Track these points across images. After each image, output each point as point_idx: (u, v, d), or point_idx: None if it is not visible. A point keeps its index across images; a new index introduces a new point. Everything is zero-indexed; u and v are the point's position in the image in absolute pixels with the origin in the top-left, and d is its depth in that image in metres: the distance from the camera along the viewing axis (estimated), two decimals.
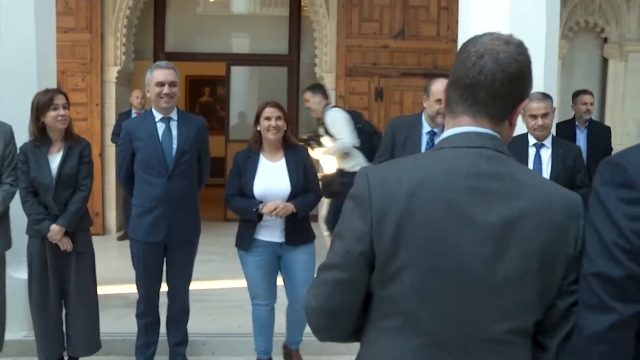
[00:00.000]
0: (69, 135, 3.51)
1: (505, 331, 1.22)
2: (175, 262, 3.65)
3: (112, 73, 7.42)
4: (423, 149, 3.56)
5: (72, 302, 3.53)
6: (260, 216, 3.41)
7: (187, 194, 3.62)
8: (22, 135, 3.60)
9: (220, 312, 4.61)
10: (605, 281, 1.20)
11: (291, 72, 8.49)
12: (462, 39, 4.66)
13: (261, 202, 3.42)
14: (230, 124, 8.90)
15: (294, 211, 3.41)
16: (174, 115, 3.58)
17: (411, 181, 1.22)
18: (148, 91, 3.53)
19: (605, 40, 7.98)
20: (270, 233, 3.49)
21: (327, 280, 1.29)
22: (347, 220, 1.27)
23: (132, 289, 3.88)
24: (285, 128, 3.49)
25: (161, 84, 3.47)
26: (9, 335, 3.77)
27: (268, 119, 3.44)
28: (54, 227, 3.41)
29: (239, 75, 9.07)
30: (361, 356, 1.33)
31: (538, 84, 4.25)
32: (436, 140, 3.52)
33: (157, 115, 3.55)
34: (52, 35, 4.46)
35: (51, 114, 3.40)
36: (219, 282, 5.43)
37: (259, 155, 3.53)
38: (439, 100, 3.46)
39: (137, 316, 3.68)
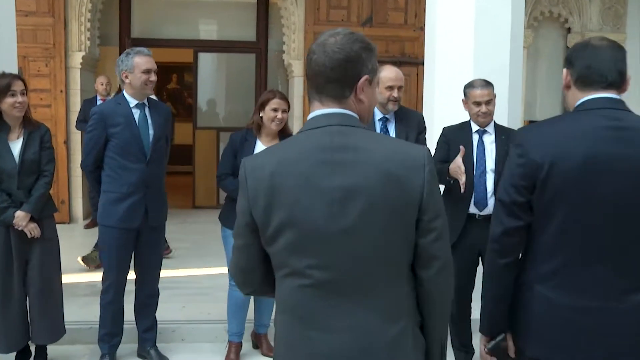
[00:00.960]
0: (27, 121, 3.44)
1: (367, 272, 1.51)
2: (146, 249, 3.63)
3: (76, 59, 7.27)
4: None
5: (36, 289, 3.47)
6: None
7: (161, 179, 3.68)
8: None
9: (189, 300, 4.60)
10: (502, 204, 1.91)
11: (259, 59, 8.45)
12: (429, 27, 4.72)
13: None
14: (198, 111, 8.82)
15: None
16: (145, 101, 3.58)
17: (272, 163, 1.54)
18: (126, 77, 3.48)
19: (569, 30, 8.14)
20: None
21: (235, 245, 1.66)
22: (238, 199, 1.61)
23: (97, 277, 3.85)
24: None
25: (148, 71, 3.49)
26: None
27: (275, 110, 3.53)
28: (20, 214, 3.36)
29: (207, 62, 8.99)
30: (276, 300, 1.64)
31: (503, 73, 4.34)
32: (389, 126, 3.60)
33: (132, 101, 3.53)
34: (11, 17, 4.32)
35: (8, 100, 3.33)
36: (187, 270, 5.41)
37: (255, 139, 3.61)
38: (390, 87, 3.50)
39: (103, 305, 3.63)
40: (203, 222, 7.55)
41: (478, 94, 3.48)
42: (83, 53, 7.31)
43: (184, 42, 8.56)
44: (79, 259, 5.27)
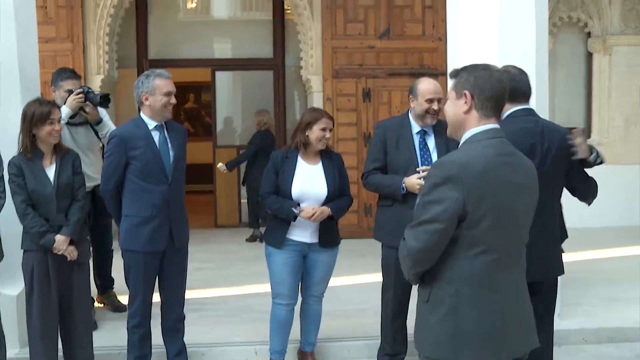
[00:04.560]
0: (58, 146, 3.49)
1: (523, 247, 2.15)
2: (171, 271, 3.58)
3: (96, 82, 7.30)
4: (418, 149, 3.51)
5: (74, 313, 3.48)
6: (295, 217, 3.49)
7: (182, 199, 3.64)
8: (5, 147, 3.53)
9: (217, 322, 4.52)
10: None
11: (277, 75, 8.44)
12: (451, 38, 4.65)
13: (298, 203, 3.52)
14: (217, 129, 8.81)
15: (331, 214, 3.51)
16: (163, 123, 3.55)
17: (480, 163, 2.01)
18: (146, 99, 3.45)
19: (589, 34, 8.03)
20: (302, 233, 3.57)
21: (429, 230, 2.01)
22: (442, 192, 1.99)
23: (124, 300, 3.80)
24: None
25: (169, 94, 3.47)
26: None
27: (324, 129, 3.54)
28: (60, 238, 3.38)
29: (224, 81, 9.00)
30: (446, 276, 2.05)
31: (530, 79, 4.25)
32: (427, 139, 3.53)
33: (151, 123, 3.50)
34: (34, 44, 4.35)
35: (46, 128, 3.37)
36: (213, 290, 5.35)
37: (297, 157, 3.60)
38: (430, 100, 3.44)
39: (130, 329, 3.58)
40: (226, 242, 7.52)
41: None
42: (102, 76, 7.36)
43: (201, 62, 8.59)
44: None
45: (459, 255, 2.02)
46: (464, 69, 2.13)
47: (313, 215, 3.46)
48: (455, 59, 4.43)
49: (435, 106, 3.46)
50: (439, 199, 1.98)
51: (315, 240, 3.58)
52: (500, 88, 2.09)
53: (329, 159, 3.66)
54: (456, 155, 2.08)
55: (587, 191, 3.08)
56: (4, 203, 3.42)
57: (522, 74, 2.92)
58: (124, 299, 4.23)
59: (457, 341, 2.03)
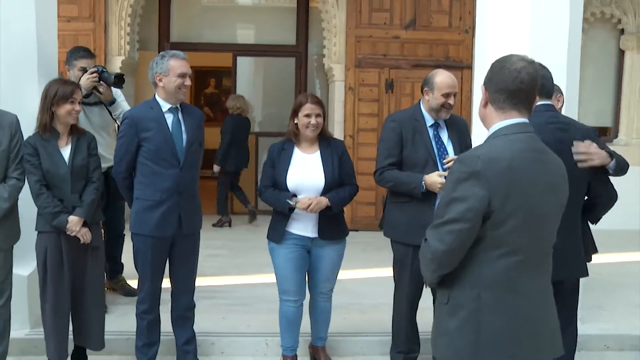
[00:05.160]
0: (74, 128, 3.45)
1: (549, 249, 2.04)
2: (181, 257, 3.51)
3: (116, 63, 7.26)
4: (434, 143, 3.40)
5: (86, 296, 3.46)
6: (291, 208, 3.36)
7: (195, 185, 3.55)
8: (22, 127, 3.47)
9: (229, 310, 4.46)
10: None
11: (299, 62, 8.33)
12: (480, 30, 4.50)
13: (294, 195, 3.38)
14: None
15: (329, 205, 3.35)
16: (178, 105, 3.46)
17: (506, 159, 1.91)
18: (160, 80, 3.37)
19: (622, 31, 7.80)
20: (303, 227, 3.45)
21: (454, 230, 1.91)
22: (466, 188, 1.90)
23: (133, 285, 3.75)
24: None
25: (183, 75, 3.38)
26: (10, 334, 3.64)
27: (308, 116, 3.40)
28: (73, 218, 3.34)
29: (246, 66, 8.89)
30: (468, 279, 1.96)
31: (561, 75, 4.09)
32: (441, 133, 3.43)
33: (165, 105, 3.41)
34: (53, 23, 4.31)
35: (67, 107, 3.32)
36: (225, 278, 5.28)
37: (293, 148, 3.48)
38: (446, 95, 3.34)
39: (138, 315, 3.52)
40: (239, 229, 7.46)
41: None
42: (123, 57, 7.31)
43: (223, 46, 8.50)
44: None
45: (481, 257, 1.93)
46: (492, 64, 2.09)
47: (309, 206, 3.31)
48: (484, 54, 4.29)
49: (451, 100, 3.35)
50: (463, 196, 1.90)
51: (316, 234, 3.45)
52: (514, 80, 1.96)
53: (328, 147, 3.50)
54: (481, 149, 1.99)
55: (603, 201, 3.04)
56: (23, 185, 3.40)
57: (544, 69, 2.90)
58: (134, 284, 4.19)
59: (479, 348, 1.95)
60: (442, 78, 3.37)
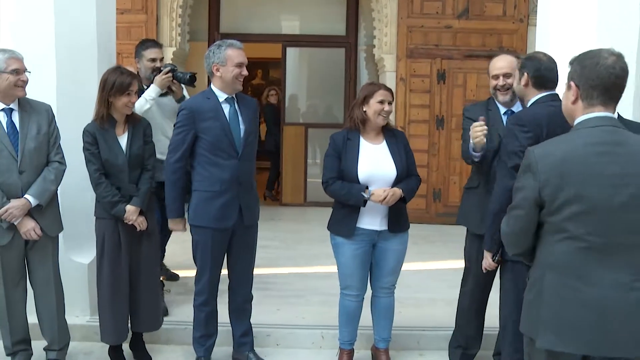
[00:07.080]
0: (130, 115, 3.47)
1: (626, 239, 1.99)
2: (239, 249, 3.50)
3: (167, 54, 7.30)
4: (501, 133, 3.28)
5: (142, 281, 3.51)
6: (365, 201, 3.28)
7: (253, 175, 3.53)
8: (80, 117, 3.53)
9: (283, 302, 4.45)
10: None
11: (349, 53, 8.26)
12: (541, 21, 4.33)
13: (367, 186, 3.30)
14: (286, 107, 8.71)
15: (402, 196, 3.29)
16: (234, 95, 3.44)
17: (561, 152, 2.03)
18: (217, 70, 3.35)
19: None
20: (372, 220, 3.36)
21: (513, 215, 2.15)
22: (524, 179, 2.09)
23: (190, 273, 3.77)
24: None
25: (240, 65, 3.36)
26: (72, 320, 3.71)
27: (382, 102, 3.32)
28: (130, 208, 3.39)
29: (295, 57, 8.86)
30: (539, 258, 2.12)
31: (630, 64, 3.90)
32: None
33: (221, 95, 3.39)
34: (112, 16, 4.34)
35: (124, 99, 3.35)
36: (278, 269, 5.28)
37: (359, 137, 3.39)
38: (495, 77, 3.27)
39: (197, 306, 3.52)
40: (291, 221, 7.45)
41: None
42: (174, 49, 7.37)
43: (272, 37, 8.49)
44: None
45: (544, 240, 2.09)
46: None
47: (385, 198, 3.23)
48: (547, 44, 4.12)
49: (501, 82, 3.24)
50: (522, 186, 2.10)
51: (384, 227, 3.37)
52: (610, 76, 2.04)
53: (393, 137, 3.42)
54: (544, 143, 2.14)
55: None
56: (65, 168, 3.42)
57: (551, 61, 2.90)
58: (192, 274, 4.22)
59: (539, 326, 2.08)
60: (494, 61, 3.31)
